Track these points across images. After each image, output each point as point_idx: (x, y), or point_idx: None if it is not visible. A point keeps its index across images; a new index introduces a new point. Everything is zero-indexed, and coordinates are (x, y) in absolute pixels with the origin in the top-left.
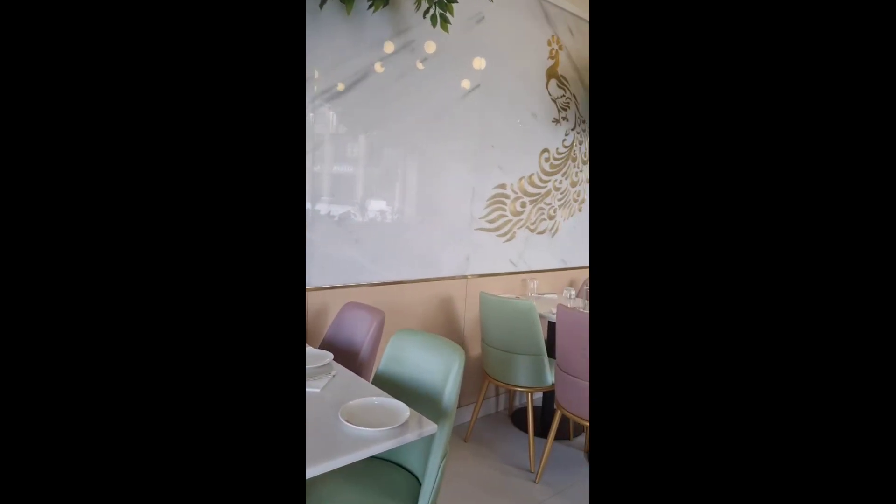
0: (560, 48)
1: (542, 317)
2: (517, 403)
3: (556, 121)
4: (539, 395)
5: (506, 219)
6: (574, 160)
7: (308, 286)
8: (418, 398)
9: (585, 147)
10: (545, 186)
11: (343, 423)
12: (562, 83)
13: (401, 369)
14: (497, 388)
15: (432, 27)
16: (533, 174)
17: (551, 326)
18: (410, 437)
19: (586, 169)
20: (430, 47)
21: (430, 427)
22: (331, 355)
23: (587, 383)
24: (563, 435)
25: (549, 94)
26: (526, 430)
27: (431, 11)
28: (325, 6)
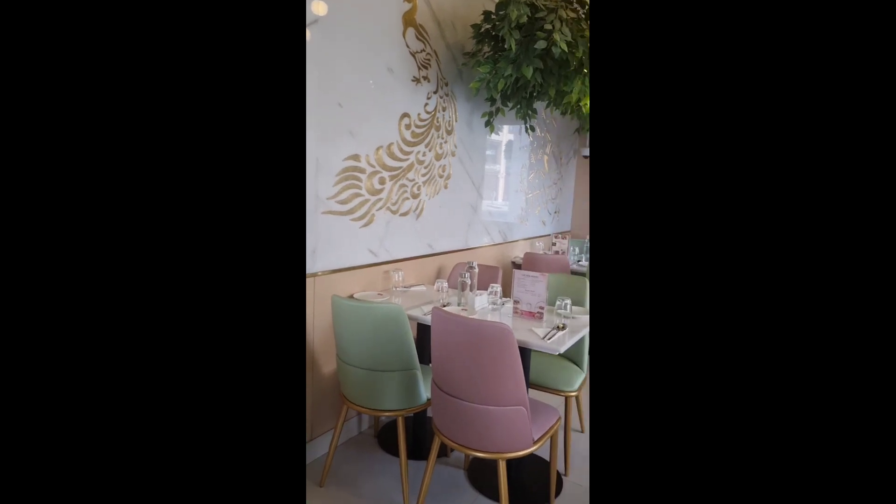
0: None
1: (411, 318)
2: (384, 418)
3: (417, 80)
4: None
5: (362, 198)
6: (438, 129)
7: None
8: None
9: (449, 114)
10: (407, 159)
11: None
12: (421, 35)
13: None
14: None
15: None
16: (392, 143)
17: (422, 328)
18: None
19: (451, 140)
20: None
21: None
22: None
23: (471, 404)
24: (438, 452)
25: (408, 47)
26: (397, 454)
27: None
28: None
